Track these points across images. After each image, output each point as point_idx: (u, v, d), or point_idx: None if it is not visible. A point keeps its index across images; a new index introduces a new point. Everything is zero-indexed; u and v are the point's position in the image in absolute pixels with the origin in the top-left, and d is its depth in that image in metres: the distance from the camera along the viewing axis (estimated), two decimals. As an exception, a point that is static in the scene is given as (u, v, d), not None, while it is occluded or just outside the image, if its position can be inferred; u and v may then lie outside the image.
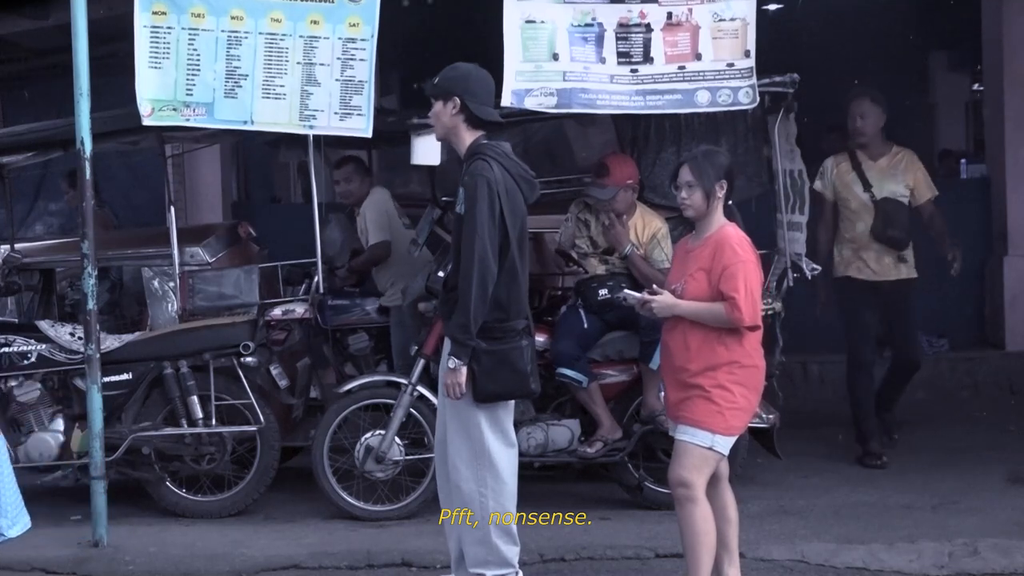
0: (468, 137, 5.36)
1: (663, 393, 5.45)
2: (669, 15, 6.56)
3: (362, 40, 6.59)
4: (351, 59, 6.59)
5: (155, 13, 6.50)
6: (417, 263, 7.68)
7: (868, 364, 7.83)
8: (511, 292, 5.28)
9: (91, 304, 6.41)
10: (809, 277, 7.10)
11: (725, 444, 5.08)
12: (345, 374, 7.73)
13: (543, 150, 10.42)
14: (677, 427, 5.16)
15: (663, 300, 5.15)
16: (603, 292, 6.85)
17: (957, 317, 9.86)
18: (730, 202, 5.24)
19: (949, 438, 8.13)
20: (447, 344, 5.36)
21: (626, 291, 5.45)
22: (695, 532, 5.06)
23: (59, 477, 7.04)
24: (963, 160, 14.20)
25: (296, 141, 7.48)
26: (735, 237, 5.11)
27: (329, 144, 7.46)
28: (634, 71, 6.57)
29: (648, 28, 6.55)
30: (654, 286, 5.41)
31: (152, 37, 6.51)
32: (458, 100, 5.31)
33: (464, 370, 5.20)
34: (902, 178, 7.69)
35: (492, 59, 6.22)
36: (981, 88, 11.83)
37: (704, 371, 5.05)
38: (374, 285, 7.86)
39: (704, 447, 5.05)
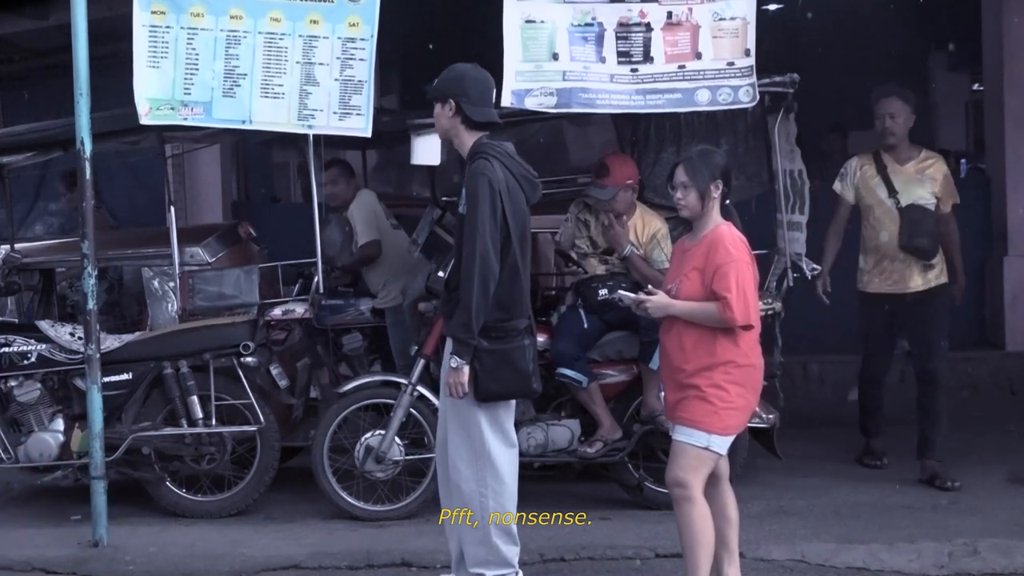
0: (469, 138, 5.37)
1: (663, 393, 5.46)
2: (669, 14, 6.56)
3: (362, 40, 6.59)
4: (351, 59, 6.58)
5: (154, 12, 6.51)
6: (408, 264, 7.70)
7: (880, 374, 7.66)
8: (513, 291, 5.29)
9: (91, 304, 6.40)
10: (809, 277, 7.11)
11: (722, 444, 5.08)
12: (339, 374, 7.75)
13: (543, 150, 10.43)
14: (674, 427, 5.16)
15: (657, 300, 5.15)
16: (603, 292, 6.85)
17: (957, 317, 9.80)
18: (727, 201, 5.24)
19: (949, 438, 8.09)
20: (449, 344, 5.36)
21: (620, 292, 5.46)
22: (693, 532, 5.07)
23: (59, 477, 7.03)
24: (963, 160, 14.20)
25: (290, 141, 7.48)
26: (729, 237, 5.11)
27: (326, 144, 7.45)
28: (634, 70, 6.57)
29: (648, 27, 6.55)
30: (649, 286, 5.42)
31: (151, 36, 6.51)
32: (453, 103, 5.32)
33: (466, 369, 5.21)
34: (930, 184, 7.31)
35: (492, 59, 6.22)
36: (981, 88, 11.82)
37: (700, 371, 5.05)
38: (367, 286, 7.88)
39: (700, 447, 5.05)
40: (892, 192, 7.29)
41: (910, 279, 7.32)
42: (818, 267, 7.17)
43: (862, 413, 7.78)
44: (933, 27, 12.65)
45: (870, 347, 7.65)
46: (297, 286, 7.80)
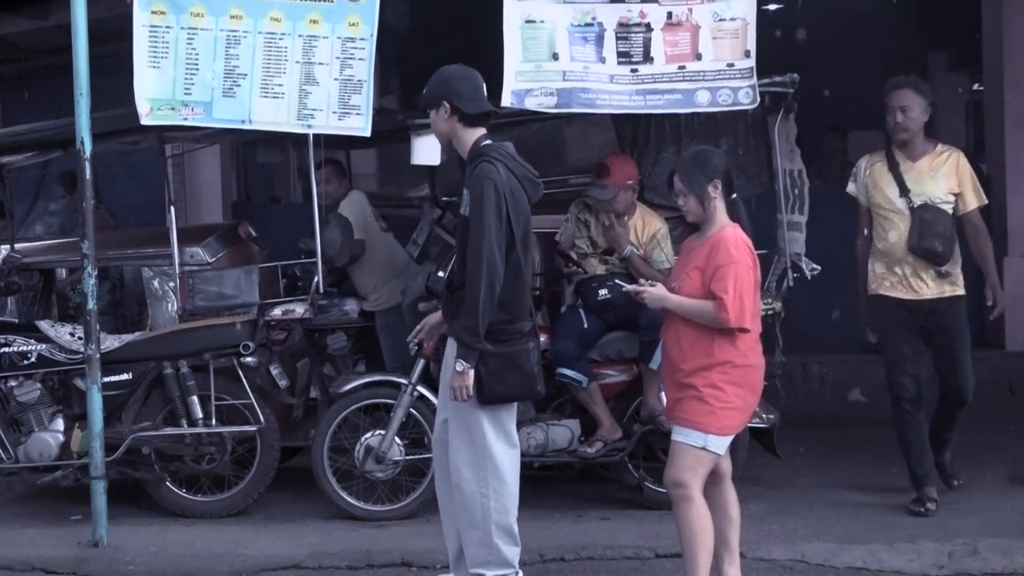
0: (468, 137, 5.37)
1: (663, 393, 5.45)
2: (669, 15, 6.56)
3: (361, 40, 6.59)
4: (350, 58, 6.58)
5: (154, 12, 6.50)
6: (398, 267, 7.69)
7: (911, 396, 6.73)
8: (516, 293, 5.29)
9: (91, 304, 6.41)
10: (809, 277, 7.09)
11: (719, 444, 5.08)
12: (324, 374, 7.75)
13: (542, 150, 10.41)
14: (673, 427, 5.17)
15: (655, 292, 5.17)
16: (603, 292, 6.85)
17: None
18: (734, 196, 5.23)
19: (949, 438, 8.13)
20: (451, 345, 5.36)
21: (618, 282, 5.46)
22: (692, 532, 5.07)
23: (59, 477, 7.03)
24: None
25: (274, 143, 7.46)
26: (731, 238, 5.11)
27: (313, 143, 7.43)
28: (634, 71, 6.57)
29: (648, 28, 6.55)
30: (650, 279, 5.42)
31: (151, 36, 6.51)
32: (447, 104, 5.32)
33: (472, 373, 5.20)
34: (944, 181, 6.67)
35: (492, 59, 6.22)
36: (981, 88, 11.83)
37: (697, 371, 5.06)
38: (352, 286, 7.88)
39: (697, 447, 5.05)
40: (904, 191, 6.68)
41: (921, 286, 6.71)
42: (817, 267, 7.12)
43: (905, 455, 6.89)
44: (933, 27, 12.65)
45: (895, 360, 6.79)
46: (283, 284, 7.78)
